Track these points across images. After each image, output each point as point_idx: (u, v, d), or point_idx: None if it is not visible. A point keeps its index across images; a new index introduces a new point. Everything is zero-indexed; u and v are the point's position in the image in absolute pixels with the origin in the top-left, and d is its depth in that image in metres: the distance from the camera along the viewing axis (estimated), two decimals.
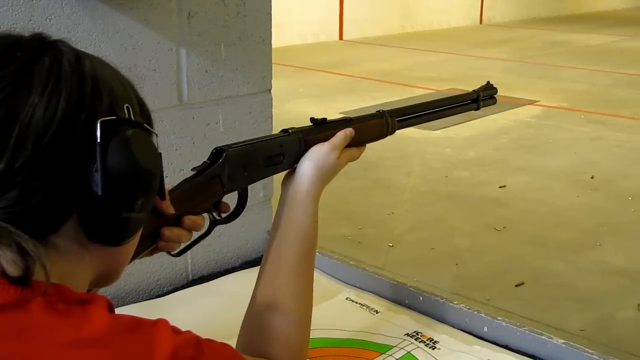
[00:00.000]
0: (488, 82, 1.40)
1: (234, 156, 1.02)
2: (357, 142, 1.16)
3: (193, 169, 1.00)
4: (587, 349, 1.13)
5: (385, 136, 1.21)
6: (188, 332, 0.71)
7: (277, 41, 1.50)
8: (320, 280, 1.38)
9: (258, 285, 1.02)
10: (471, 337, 1.25)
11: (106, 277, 0.79)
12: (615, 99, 6.81)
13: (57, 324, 0.64)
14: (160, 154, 0.77)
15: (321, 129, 1.12)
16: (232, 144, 1.03)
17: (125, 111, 0.73)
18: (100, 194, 0.69)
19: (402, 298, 1.36)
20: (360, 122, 1.17)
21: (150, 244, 0.96)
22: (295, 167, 1.08)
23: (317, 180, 1.07)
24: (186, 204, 0.98)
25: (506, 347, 1.21)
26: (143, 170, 0.72)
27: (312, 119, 1.13)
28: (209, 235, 1.44)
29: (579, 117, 6.16)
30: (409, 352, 1.19)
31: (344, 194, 4.21)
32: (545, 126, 5.79)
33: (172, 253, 1.06)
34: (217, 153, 1.02)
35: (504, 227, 3.79)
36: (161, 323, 0.70)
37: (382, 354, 1.19)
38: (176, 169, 1.37)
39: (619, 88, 7.31)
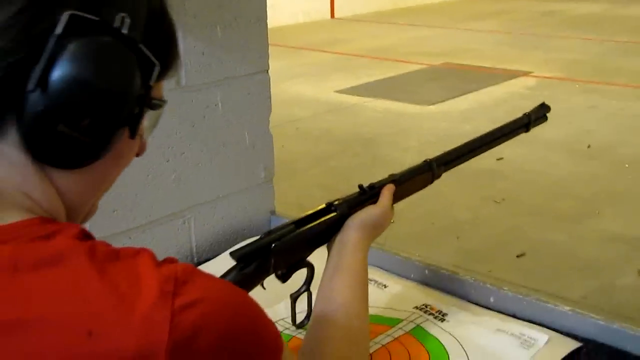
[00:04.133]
0: (543, 103, 1.36)
1: (282, 247, 1.04)
2: (403, 197, 1.18)
3: (233, 254, 1.00)
4: (592, 315, 1.14)
5: (430, 184, 1.23)
6: (170, 263, 0.65)
7: (269, 22, 1.49)
8: (324, 259, 1.38)
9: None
10: (479, 308, 1.25)
11: (75, 209, 0.72)
12: (609, 68, 6.81)
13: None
14: (149, 87, 0.67)
15: (366, 197, 1.12)
16: (279, 233, 1.04)
17: (118, 20, 0.64)
18: (31, 89, 0.61)
19: (409, 272, 1.36)
20: (408, 179, 1.18)
21: None
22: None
23: (364, 239, 1.09)
24: None
25: (514, 316, 1.21)
26: (99, 86, 0.63)
27: (360, 187, 1.13)
28: (213, 218, 1.45)
29: (573, 86, 6.17)
30: (418, 324, 1.19)
31: (344, 172, 4.23)
32: (540, 97, 5.76)
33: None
34: (265, 246, 1.03)
35: (503, 199, 3.81)
36: (143, 254, 0.65)
37: (392, 327, 1.19)
38: (177, 152, 1.37)
39: (612, 56, 7.31)
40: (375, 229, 1.10)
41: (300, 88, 6.19)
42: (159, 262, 0.65)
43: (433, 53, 7.73)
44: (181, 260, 1.37)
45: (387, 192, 1.13)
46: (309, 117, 5.39)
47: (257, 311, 0.69)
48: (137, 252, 0.64)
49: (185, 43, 1.33)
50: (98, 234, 1.24)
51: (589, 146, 4.61)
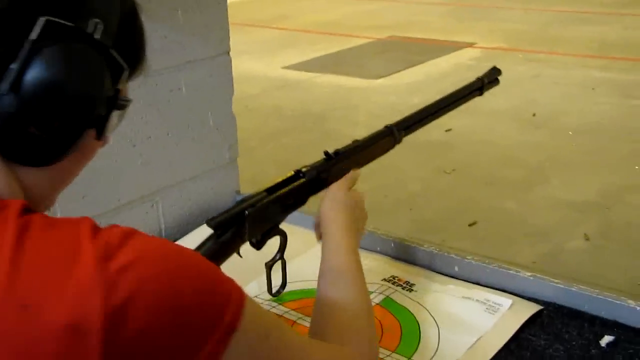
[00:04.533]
0: (494, 67, 1.40)
1: (256, 214, 1.06)
2: (367, 161, 1.23)
3: (210, 222, 1.02)
4: (552, 279, 1.19)
5: (392, 148, 1.27)
6: (110, 229, 0.64)
7: None
8: (298, 232, 1.40)
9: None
10: (444, 277, 1.28)
11: (36, 202, 0.71)
12: (551, 37, 6.91)
13: None
14: (117, 90, 0.69)
15: (333, 163, 1.17)
16: (252, 200, 1.06)
17: (91, 26, 0.66)
18: (4, 92, 0.62)
19: (375, 245, 1.38)
20: (371, 144, 1.22)
21: None
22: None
23: (336, 219, 1.11)
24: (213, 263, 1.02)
25: (478, 283, 1.25)
26: (70, 90, 0.64)
27: (325, 153, 1.18)
28: (180, 200, 1.47)
29: (517, 56, 6.25)
30: (387, 296, 1.22)
31: (296, 148, 4.23)
32: (485, 68, 5.81)
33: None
34: (238, 213, 1.04)
35: (453, 170, 3.85)
36: (81, 223, 0.64)
37: None
38: (143, 136, 1.38)
39: (554, 26, 7.42)
40: (345, 204, 1.13)
41: (248, 65, 6.16)
42: (98, 230, 0.64)
43: (379, 26, 7.75)
44: None
45: (352, 174, 1.18)
46: (258, 94, 5.36)
47: (202, 268, 0.67)
48: (76, 222, 0.64)
49: (147, 27, 1.33)
50: None
51: (534, 115, 4.66)
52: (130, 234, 0.63)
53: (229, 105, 1.54)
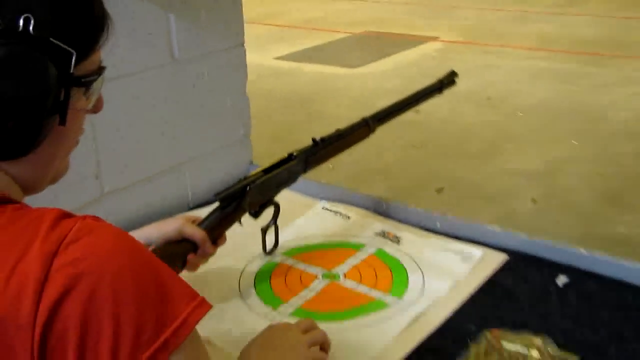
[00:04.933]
0: (452, 71, 1.42)
1: (254, 190, 1.09)
2: (347, 147, 1.24)
3: (217, 195, 1.05)
4: (518, 233, 1.21)
5: (368, 137, 1.28)
6: (71, 220, 0.57)
7: None
8: (299, 198, 1.42)
9: None
10: (427, 232, 1.30)
11: (32, 187, 0.66)
12: (502, 32, 6.88)
13: None
14: (70, 75, 0.60)
15: (319, 147, 1.20)
16: (252, 178, 1.09)
17: (21, 22, 0.56)
18: None
19: (367, 204, 1.40)
20: (350, 133, 1.24)
21: (180, 269, 1.02)
22: None
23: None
24: (219, 230, 1.05)
25: (455, 237, 1.27)
26: (12, 95, 0.56)
27: (313, 139, 1.20)
28: (204, 169, 1.47)
29: (474, 48, 6.22)
30: (379, 248, 1.24)
31: (287, 125, 4.21)
32: (446, 58, 5.85)
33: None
34: (241, 189, 1.07)
35: (421, 144, 3.83)
36: (47, 214, 0.58)
37: (358, 250, 1.23)
38: (173, 115, 1.38)
39: (504, 23, 7.39)
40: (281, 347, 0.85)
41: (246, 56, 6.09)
42: (59, 222, 0.57)
43: (355, 23, 7.68)
44: (179, 205, 1.41)
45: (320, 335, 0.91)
46: (254, 80, 5.21)
47: (151, 277, 0.58)
48: (42, 214, 0.57)
49: (176, 24, 1.32)
50: (112, 187, 1.28)
51: (488, 98, 4.65)
52: (88, 230, 0.56)
53: (243, 89, 1.54)
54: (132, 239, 0.60)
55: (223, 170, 1.52)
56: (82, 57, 0.61)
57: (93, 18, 0.64)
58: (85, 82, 0.63)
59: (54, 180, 0.69)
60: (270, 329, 0.87)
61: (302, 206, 1.41)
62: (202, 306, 0.60)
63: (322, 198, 1.45)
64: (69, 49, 0.59)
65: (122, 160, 1.30)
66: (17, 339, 0.52)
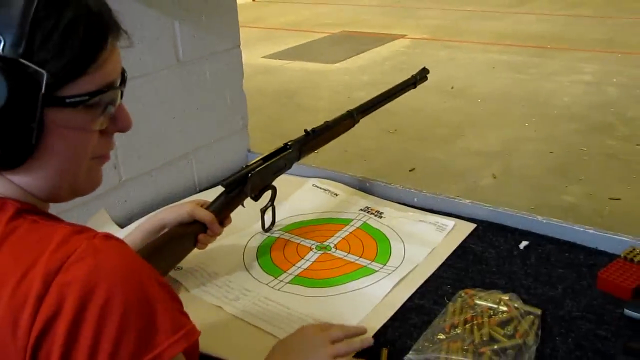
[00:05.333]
0: (424, 68, 1.42)
1: (255, 176, 1.09)
2: (335, 137, 1.24)
3: (223, 183, 1.05)
4: (484, 204, 1.22)
5: (352, 127, 1.28)
6: (81, 237, 0.54)
7: None
8: (292, 179, 1.42)
9: None
10: (405, 207, 1.31)
11: (51, 196, 0.61)
12: (462, 30, 6.88)
13: None
14: (45, 95, 0.53)
15: (311, 138, 1.20)
16: (253, 166, 1.09)
17: None
18: None
19: (352, 183, 1.40)
20: (337, 124, 1.24)
21: (192, 247, 1.02)
22: None
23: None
24: (225, 212, 1.05)
25: (431, 210, 1.28)
26: None
27: (305, 130, 1.20)
28: (208, 157, 1.46)
29: (438, 44, 6.22)
30: (364, 222, 1.24)
31: (276, 117, 4.19)
32: (414, 53, 5.84)
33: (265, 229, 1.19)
34: (243, 176, 1.07)
35: (395, 130, 3.85)
36: (59, 229, 0.54)
37: (346, 225, 1.23)
38: (180, 111, 1.37)
39: (463, 21, 7.39)
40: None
41: None
42: (70, 238, 0.53)
43: (333, 24, 7.63)
44: (188, 189, 1.40)
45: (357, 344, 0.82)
46: (245, 77, 5.25)
47: (144, 297, 0.53)
48: (53, 231, 0.54)
49: (181, 29, 1.31)
50: (129, 175, 1.27)
51: (452, 87, 4.66)
52: (93, 251, 0.52)
53: (240, 85, 1.53)
54: (136, 263, 0.55)
55: (224, 158, 1.51)
56: (69, 77, 0.55)
57: (79, 40, 0.55)
58: (73, 102, 0.55)
59: (75, 191, 0.62)
60: (301, 332, 0.81)
61: (295, 186, 1.41)
62: (183, 339, 0.55)
63: (310, 177, 1.45)
64: (40, 69, 0.52)
65: (136, 152, 1.29)
66: (13, 347, 0.50)
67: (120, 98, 0.62)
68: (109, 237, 0.56)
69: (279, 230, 1.23)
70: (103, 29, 0.58)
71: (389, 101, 1.36)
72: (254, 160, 1.11)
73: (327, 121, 1.24)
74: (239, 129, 1.55)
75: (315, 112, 4.22)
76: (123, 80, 0.62)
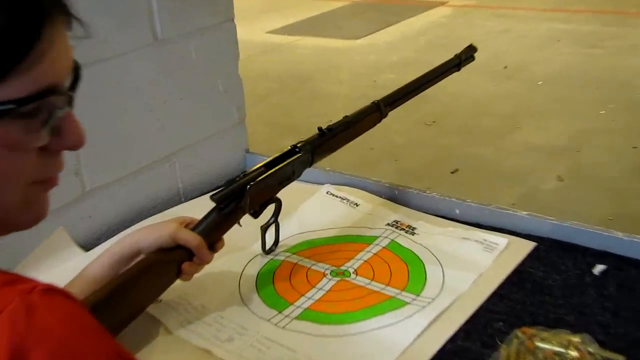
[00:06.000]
0: (470, 45, 1.42)
1: (255, 188, 1.08)
2: (356, 135, 1.24)
3: (213, 197, 1.03)
4: (547, 217, 1.20)
5: (379, 122, 1.28)
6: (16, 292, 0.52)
7: None
8: (301, 187, 1.40)
9: None
10: (445, 220, 1.29)
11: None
12: None
13: None
14: None
15: (326, 138, 1.19)
16: (252, 175, 1.07)
17: None
18: None
19: (377, 191, 1.39)
20: (360, 119, 1.24)
21: (174, 278, 1.01)
22: None
23: None
24: (216, 234, 1.05)
25: (477, 224, 1.26)
26: None
27: (319, 129, 1.19)
28: (195, 160, 1.47)
29: (486, 12, 6.22)
30: (392, 240, 1.23)
31: (285, 108, 4.23)
32: (457, 25, 5.84)
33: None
34: (240, 188, 1.06)
35: (433, 122, 3.87)
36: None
37: (370, 244, 1.22)
38: (159, 102, 1.37)
39: None
40: None
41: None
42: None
43: None
44: (170, 200, 1.41)
45: None
46: (244, 59, 5.19)
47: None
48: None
49: (158, 0, 1.31)
50: (95, 184, 1.27)
51: (505, 67, 4.67)
52: (27, 312, 0.51)
53: (235, 68, 1.53)
54: (83, 332, 0.53)
55: (217, 160, 1.52)
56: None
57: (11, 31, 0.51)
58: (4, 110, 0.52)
59: (7, 226, 0.60)
60: None
61: (304, 195, 1.40)
62: None
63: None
64: None
65: (104, 154, 1.29)
66: None
67: (69, 105, 0.58)
68: (51, 290, 0.53)
69: (284, 251, 1.23)
70: (38, 10, 0.53)
71: (425, 88, 1.36)
72: (254, 168, 1.11)
73: (346, 116, 1.24)
74: (234, 124, 1.56)
75: (333, 100, 4.24)
76: (74, 81, 0.58)
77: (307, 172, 1.23)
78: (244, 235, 1.16)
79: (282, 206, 1.19)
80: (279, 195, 1.17)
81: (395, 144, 3.58)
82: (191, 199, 1.44)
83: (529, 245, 1.18)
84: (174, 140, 1.42)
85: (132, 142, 1.34)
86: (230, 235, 1.08)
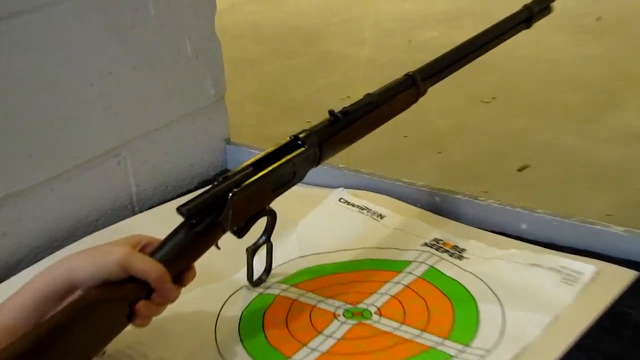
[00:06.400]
0: None
1: (239, 198, 1.07)
2: (383, 121, 1.25)
3: (180, 208, 1.02)
4: None
5: (415, 102, 1.30)
6: None
7: None
8: (305, 191, 1.41)
9: None
10: (506, 238, 1.30)
11: None
12: None
13: None
14: None
15: (340, 126, 1.19)
16: (236, 178, 1.07)
17: None
18: None
19: (410, 198, 1.40)
20: (388, 99, 1.24)
21: (125, 323, 1.00)
22: None
23: None
24: (183, 261, 1.05)
25: (553, 245, 1.26)
26: None
27: (330, 113, 1.19)
28: (154, 154, 1.49)
29: None
30: (431, 266, 1.24)
31: (282, 79, 4.22)
32: None
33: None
34: (218, 197, 1.05)
35: (493, 98, 3.85)
36: None
37: (400, 272, 1.23)
38: (102, 73, 1.38)
39: None
40: None
41: None
42: None
43: None
44: (118, 210, 1.42)
45: None
46: (224, 10, 5.30)
47: None
48: None
49: None
50: (8, 190, 1.28)
51: (598, 19, 4.66)
52: None
53: (210, 25, 1.54)
54: None
55: (185, 155, 1.53)
56: None
57: None
58: None
59: None
60: None
61: (308, 202, 1.41)
62: None
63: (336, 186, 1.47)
64: None
65: (24, 146, 1.30)
66: None
67: None
68: None
69: (278, 282, 1.24)
70: None
71: (482, 53, 1.37)
72: (239, 168, 1.11)
73: (369, 94, 1.25)
74: (209, 104, 1.57)
75: (351, 69, 4.24)
76: None
77: (314, 171, 1.23)
78: (223, 260, 1.17)
79: (278, 220, 1.19)
80: (273, 205, 1.17)
81: (438, 130, 3.57)
82: (149, 209, 1.45)
83: (628, 276, 1.18)
84: (124, 126, 1.43)
85: (64, 129, 1.35)
86: (205, 262, 1.08)
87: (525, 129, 3.57)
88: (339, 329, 1.13)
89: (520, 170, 3.25)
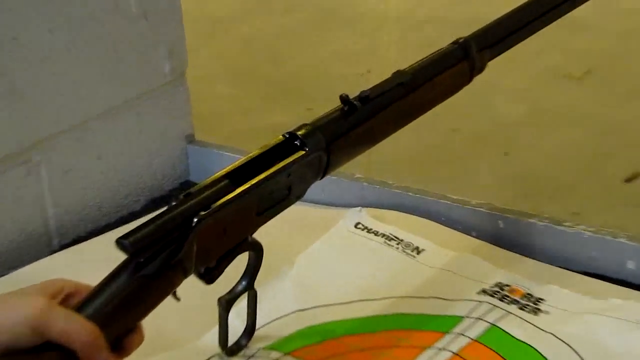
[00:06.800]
0: None
1: (208, 227, 1.08)
2: (421, 112, 1.27)
3: (121, 241, 1.01)
4: None
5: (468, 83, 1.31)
6: None
7: None
8: (299, 209, 1.41)
9: None
10: (605, 283, 1.32)
11: None
12: None
13: None
14: None
15: (356, 117, 1.19)
16: (203, 196, 1.08)
17: None
18: None
19: (460, 223, 1.42)
20: (428, 78, 1.25)
21: None
22: None
23: None
24: (126, 318, 1.04)
25: None
26: None
27: (343, 99, 1.19)
28: (81, 154, 1.50)
29: None
30: (492, 324, 1.25)
31: (269, 45, 4.24)
32: None
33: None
34: (180, 222, 1.06)
35: (586, 72, 3.86)
36: None
37: (446, 333, 1.24)
38: (5, 38, 1.39)
39: None
40: None
41: None
42: None
43: None
44: (31, 240, 1.44)
45: None
46: None
47: None
48: None
49: None
50: None
51: None
52: None
53: None
54: None
55: (128, 160, 1.55)
56: None
57: None
58: None
59: None
60: None
61: (311, 230, 1.43)
62: None
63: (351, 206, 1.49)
64: None
65: None
66: None
67: None
68: None
69: (266, 348, 1.26)
70: None
71: (568, 10, 1.40)
72: (209, 180, 1.12)
73: (399, 70, 1.25)
74: (163, 84, 1.60)
75: (374, 29, 4.26)
76: None
77: (318, 186, 1.24)
78: (184, 317, 1.19)
79: (265, 257, 1.20)
80: (259, 235, 1.18)
81: (504, 121, 3.56)
82: (75, 242, 1.47)
83: None
84: (36, 118, 1.45)
85: None
86: (158, 319, 1.09)
87: (636, 119, 3.57)
88: None
89: (628, 180, 3.24)
